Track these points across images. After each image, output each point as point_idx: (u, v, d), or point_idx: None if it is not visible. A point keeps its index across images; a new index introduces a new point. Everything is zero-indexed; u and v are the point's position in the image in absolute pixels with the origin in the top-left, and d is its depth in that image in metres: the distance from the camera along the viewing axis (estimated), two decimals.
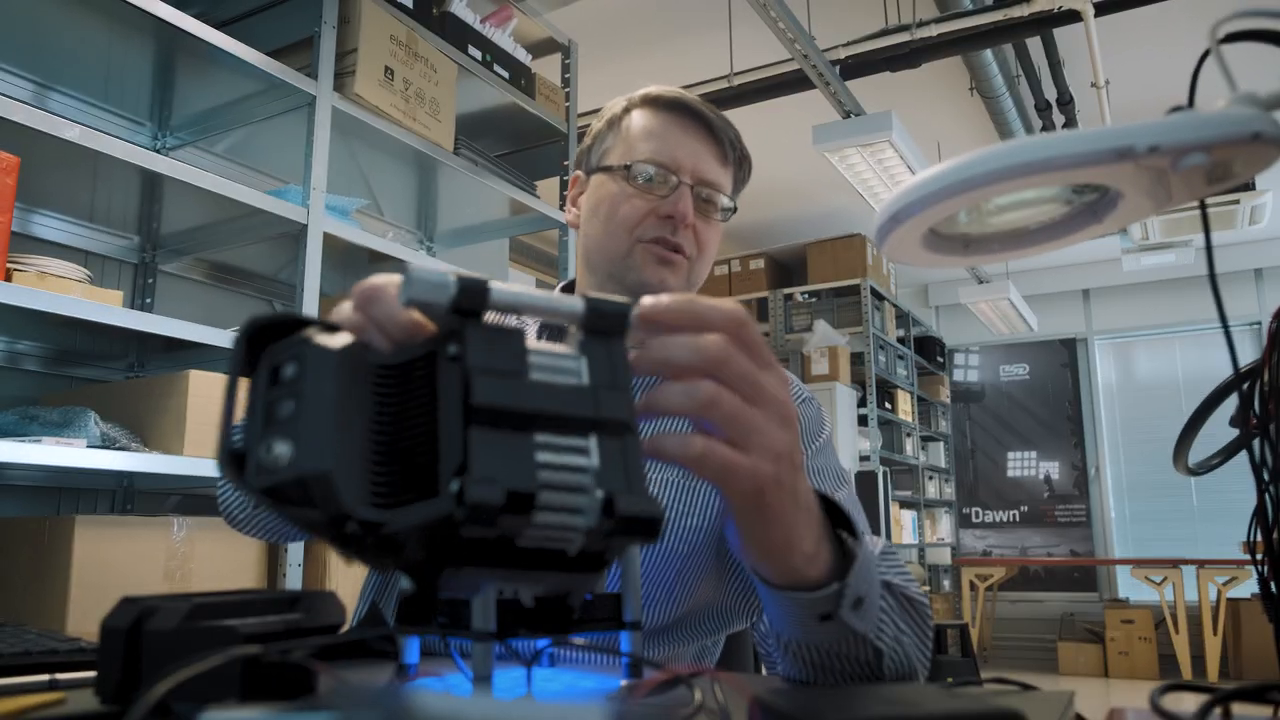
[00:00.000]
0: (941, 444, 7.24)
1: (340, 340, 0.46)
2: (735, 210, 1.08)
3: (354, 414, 0.44)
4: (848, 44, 3.68)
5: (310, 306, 2.04)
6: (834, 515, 0.64)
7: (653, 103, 1.06)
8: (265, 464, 0.42)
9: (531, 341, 0.46)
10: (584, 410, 0.44)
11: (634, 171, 1.02)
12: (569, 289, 1.14)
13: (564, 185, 2.95)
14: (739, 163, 1.08)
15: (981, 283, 6.36)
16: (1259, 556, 0.67)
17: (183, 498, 2.36)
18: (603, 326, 0.48)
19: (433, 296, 0.44)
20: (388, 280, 0.50)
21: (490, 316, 0.46)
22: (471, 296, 0.45)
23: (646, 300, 0.51)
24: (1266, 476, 0.65)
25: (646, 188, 1.02)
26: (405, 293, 0.44)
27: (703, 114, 1.04)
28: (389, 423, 0.45)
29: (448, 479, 0.41)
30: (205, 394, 1.88)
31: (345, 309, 0.50)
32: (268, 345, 0.46)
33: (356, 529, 0.42)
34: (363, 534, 0.42)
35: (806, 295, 6.11)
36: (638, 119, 1.06)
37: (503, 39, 2.70)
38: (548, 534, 0.42)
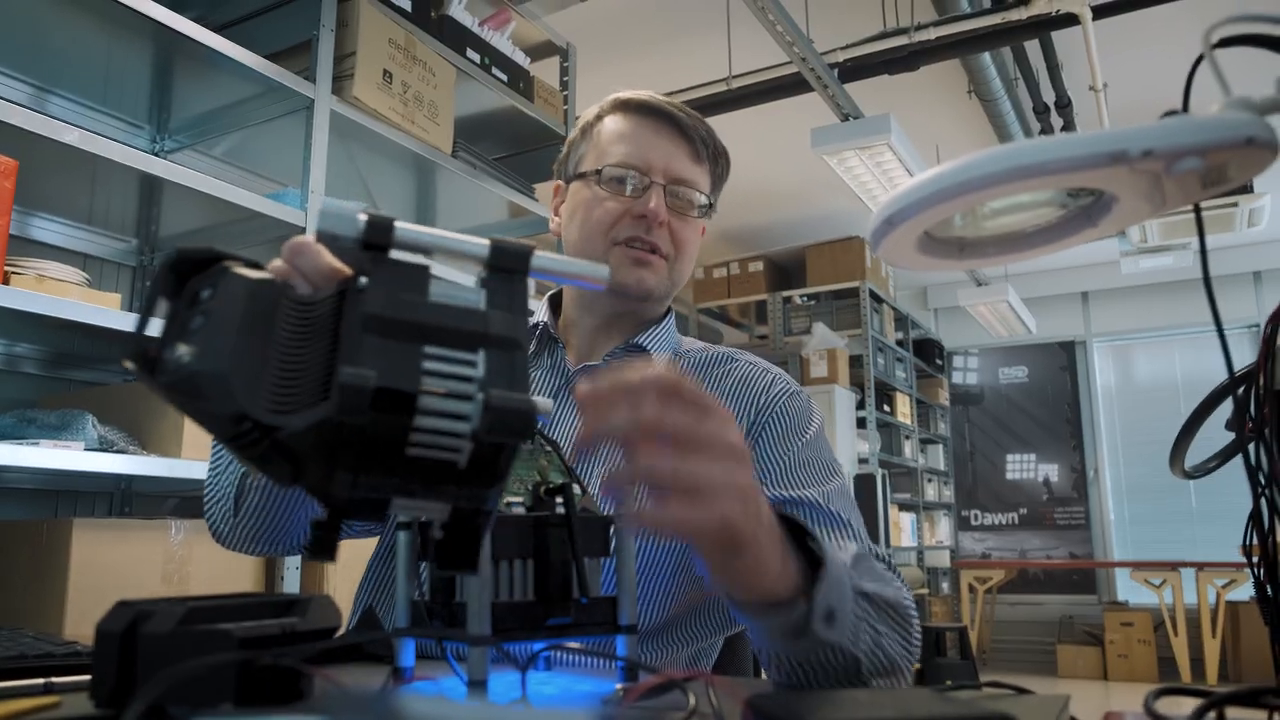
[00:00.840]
0: (940, 446, 7.24)
1: (258, 274, 0.50)
2: (713, 207, 1.09)
3: (264, 335, 0.47)
4: (846, 47, 3.68)
5: None
6: (797, 531, 0.65)
7: (622, 107, 1.08)
8: (169, 363, 0.46)
9: (435, 274, 0.49)
10: (475, 327, 0.47)
11: (606, 175, 1.04)
12: (556, 298, 1.15)
13: None
14: (714, 159, 1.09)
15: (980, 285, 6.36)
16: (1255, 560, 0.67)
17: (181, 501, 2.36)
18: (505, 264, 0.51)
19: (343, 229, 0.48)
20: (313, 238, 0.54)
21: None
22: (379, 232, 0.49)
23: (581, 387, 0.54)
24: (1262, 480, 0.65)
25: (619, 190, 1.03)
26: (319, 224, 0.48)
27: (672, 114, 1.06)
28: (298, 347, 0.48)
29: None
30: None
31: (275, 262, 0.53)
32: (195, 275, 0.50)
33: (253, 430, 0.44)
34: (259, 436, 0.45)
35: (805, 298, 6.11)
36: (609, 124, 1.08)
37: (501, 42, 2.70)
38: (432, 438, 0.44)
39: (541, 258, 0.53)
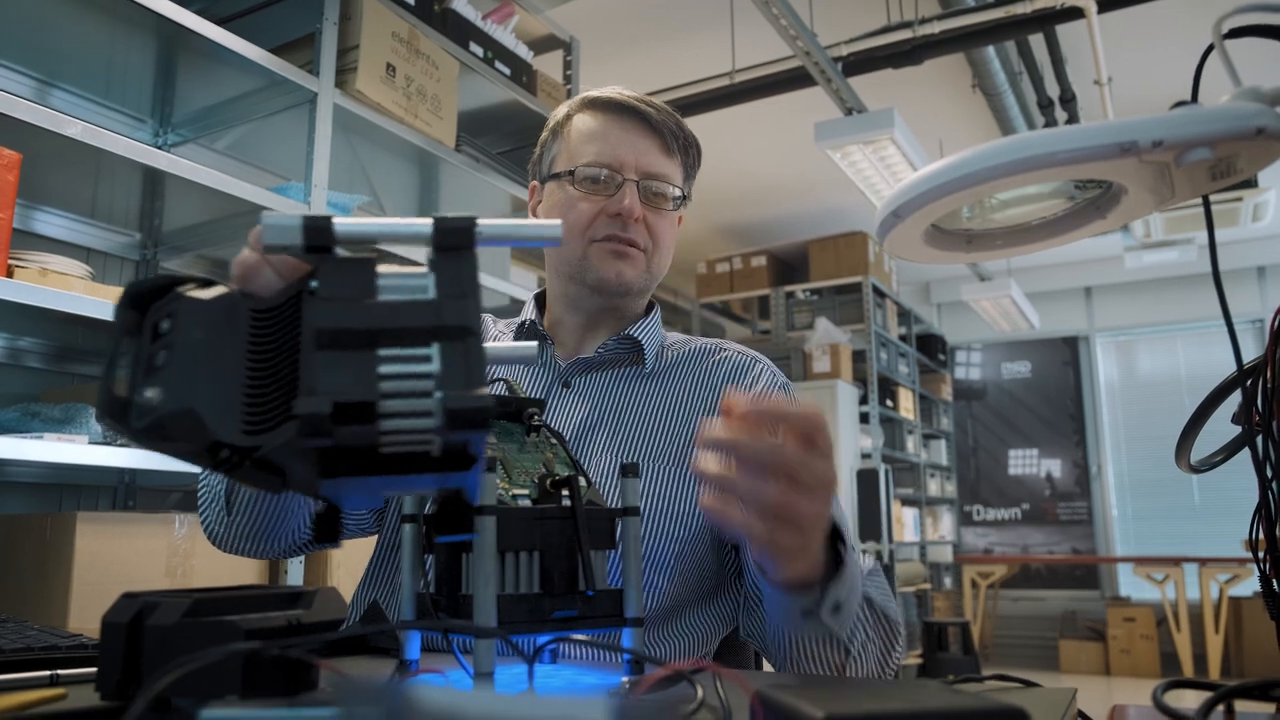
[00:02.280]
0: (943, 442, 7.23)
1: (212, 292, 0.50)
2: (687, 198, 1.11)
3: (228, 354, 0.48)
4: (850, 41, 3.67)
5: None
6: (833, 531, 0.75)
7: (591, 105, 1.09)
8: (140, 407, 0.47)
9: (382, 267, 0.48)
10: (426, 321, 0.47)
11: (580, 175, 1.05)
12: (542, 296, 1.16)
13: None
14: (684, 150, 1.10)
15: (983, 280, 6.35)
16: (1261, 554, 0.66)
17: (184, 494, 2.36)
18: (451, 243, 0.51)
19: (284, 240, 0.48)
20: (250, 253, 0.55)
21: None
22: (318, 235, 0.49)
23: (740, 400, 0.62)
24: (1269, 473, 0.65)
25: (594, 189, 1.05)
26: (263, 240, 0.48)
27: (640, 110, 1.07)
28: (263, 358, 0.48)
29: None
30: None
31: (244, 252, 0.54)
32: (153, 306, 0.51)
33: (231, 455, 0.46)
34: (239, 459, 0.46)
35: (808, 293, 6.10)
36: (579, 123, 1.09)
37: (504, 36, 2.69)
38: (403, 438, 0.45)
39: (487, 226, 0.51)
